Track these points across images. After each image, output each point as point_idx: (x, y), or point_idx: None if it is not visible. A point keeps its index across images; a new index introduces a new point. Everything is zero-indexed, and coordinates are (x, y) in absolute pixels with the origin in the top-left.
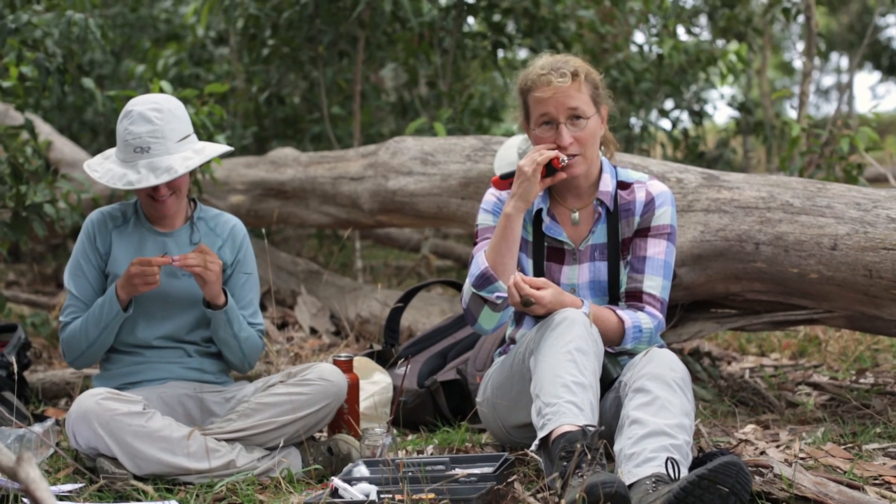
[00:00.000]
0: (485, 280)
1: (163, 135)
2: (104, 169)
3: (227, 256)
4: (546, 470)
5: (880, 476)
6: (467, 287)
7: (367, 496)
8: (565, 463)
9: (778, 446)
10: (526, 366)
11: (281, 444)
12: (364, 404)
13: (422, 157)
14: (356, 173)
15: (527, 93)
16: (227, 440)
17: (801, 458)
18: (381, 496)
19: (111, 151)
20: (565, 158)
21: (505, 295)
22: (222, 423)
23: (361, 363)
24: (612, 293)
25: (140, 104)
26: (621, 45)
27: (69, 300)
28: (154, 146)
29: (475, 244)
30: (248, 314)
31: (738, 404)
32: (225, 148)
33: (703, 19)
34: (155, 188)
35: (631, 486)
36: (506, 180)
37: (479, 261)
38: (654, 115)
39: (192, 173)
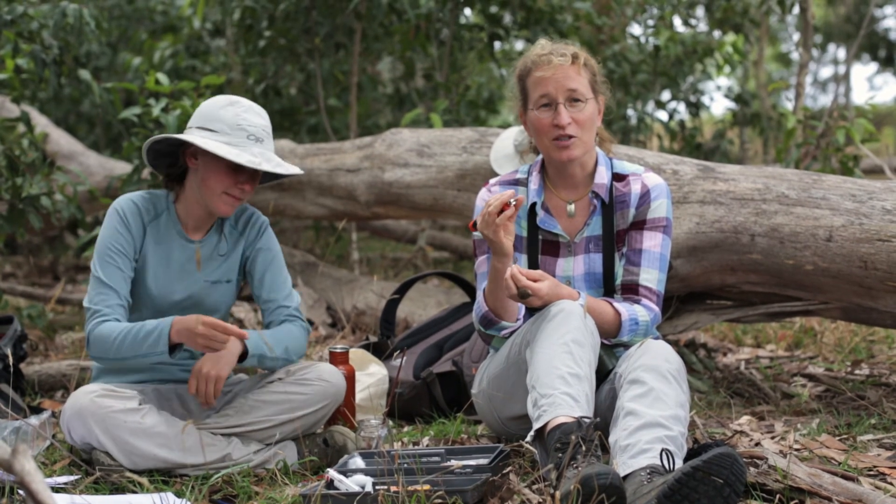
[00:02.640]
0: (488, 322)
1: (268, 134)
2: (214, 143)
3: (248, 249)
4: (541, 461)
5: (875, 467)
6: (476, 323)
7: (363, 488)
8: (560, 454)
9: (773, 437)
10: (522, 357)
11: (277, 437)
12: (360, 396)
13: (418, 148)
14: (352, 165)
15: (526, 76)
16: (223, 435)
17: (796, 450)
18: (377, 488)
19: (200, 131)
20: (513, 202)
21: (512, 328)
22: (218, 418)
23: (357, 355)
24: (607, 285)
25: (254, 105)
26: (618, 36)
27: (97, 287)
28: (265, 141)
29: (475, 254)
30: (282, 297)
31: (733, 395)
32: (294, 170)
33: (699, 10)
34: (246, 183)
35: (626, 477)
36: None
37: (481, 302)
38: (650, 106)
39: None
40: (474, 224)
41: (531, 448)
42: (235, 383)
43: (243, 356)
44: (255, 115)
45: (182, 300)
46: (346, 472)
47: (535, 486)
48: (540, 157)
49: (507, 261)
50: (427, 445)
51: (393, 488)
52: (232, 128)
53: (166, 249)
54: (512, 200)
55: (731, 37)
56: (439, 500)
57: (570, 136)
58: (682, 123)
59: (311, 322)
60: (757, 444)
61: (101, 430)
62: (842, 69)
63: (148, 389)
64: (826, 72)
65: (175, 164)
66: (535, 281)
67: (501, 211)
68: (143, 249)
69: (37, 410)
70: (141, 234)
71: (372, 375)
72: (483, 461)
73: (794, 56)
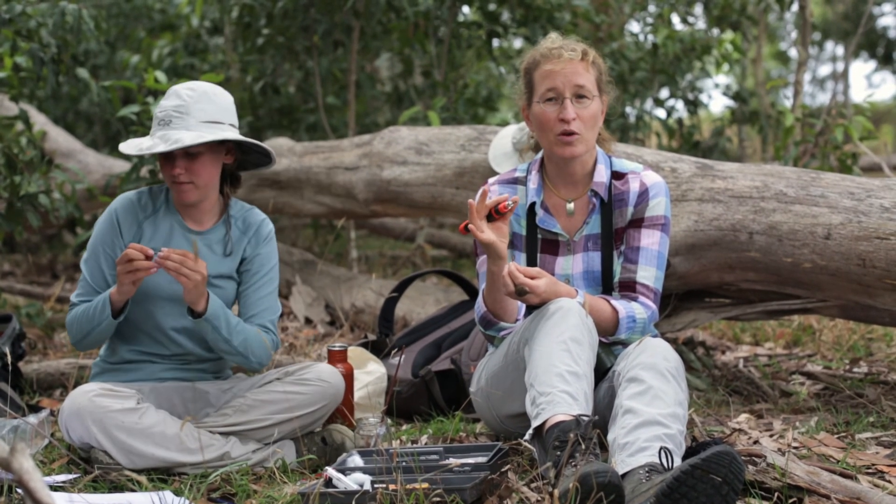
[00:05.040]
0: (488, 323)
1: (187, 111)
2: (133, 143)
3: (248, 253)
4: (540, 459)
5: (873, 465)
6: (477, 323)
7: (361, 486)
8: (559, 452)
9: (771, 436)
10: (520, 355)
11: (276, 435)
12: (358, 394)
13: (416, 146)
14: (351, 163)
15: (534, 68)
16: (221, 434)
17: (795, 448)
18: (375, 486)
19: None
20: (510, 203)
21: (511, 329)
22: (217, 416)
23: (356, 353)
24: (606, 283)
25: (183, 86)
26: (616, 34)
27: (82, 282)
28: (175, 120)
29: (475, 254)
30: (263, 308)
31: (731, 394)
32: (254, 142)
33: (698, 8)
34: (171, 167)
35: (624, 475)
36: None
37: (481, 302)
38: (649, 104)
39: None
40: (465, 227)
41: (529, 446)
42: (235, 381)
43: (202, 313)
44: (172, 98)
45: (179, 294)
46: (344, 471)
47: (533, 485)
48: (539, 155)
49: (502, 263)
50: (425, 444)
51: (391, 486)
52: (154, 119)
53: (165, 242)
54: (509, 202)
55: (729, 34)
56: (438, 499)
57: (574, 133)
58: (680, 121)
59: (309, 321)
60: (755, 443)
61: (100, 430)
62: (840, 67)
63: (146, 388)
64: (824, 69)
65: None
66: (532, 278)
67: (490, 215)
68: (142, 243)
69: (35, 409)
70: (134, 231)
71: (370, 374)
72: (481, 459)
73: (793, 54)
